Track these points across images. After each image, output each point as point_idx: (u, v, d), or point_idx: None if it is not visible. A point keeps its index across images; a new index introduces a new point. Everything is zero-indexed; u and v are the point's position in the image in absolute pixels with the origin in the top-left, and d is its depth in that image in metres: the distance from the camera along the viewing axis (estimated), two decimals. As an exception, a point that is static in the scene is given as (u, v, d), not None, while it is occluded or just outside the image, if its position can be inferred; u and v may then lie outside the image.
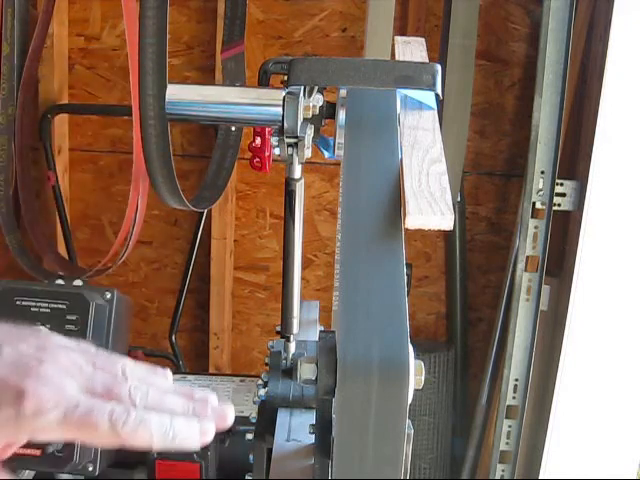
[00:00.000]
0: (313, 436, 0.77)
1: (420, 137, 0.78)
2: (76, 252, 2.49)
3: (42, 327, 0.53)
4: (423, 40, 1.07)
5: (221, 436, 1.08)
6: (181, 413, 0.50)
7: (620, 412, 1.78)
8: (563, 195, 1.86)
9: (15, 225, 2.13)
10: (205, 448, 1.05)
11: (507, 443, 1.94)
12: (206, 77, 2.46)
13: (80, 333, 1.02)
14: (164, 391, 0.51)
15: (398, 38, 1.09)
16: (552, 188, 1.80)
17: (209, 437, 0.49)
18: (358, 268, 0.60)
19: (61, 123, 2.49)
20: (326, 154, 0.92)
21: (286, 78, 0.80)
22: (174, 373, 1.21)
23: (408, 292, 0.58)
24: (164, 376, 0.54)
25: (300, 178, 0.91)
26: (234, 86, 1.39)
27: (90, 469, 1.03)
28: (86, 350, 0.52)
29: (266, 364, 0.97)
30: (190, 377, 1.17)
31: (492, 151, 2.47)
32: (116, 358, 0.51)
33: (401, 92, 0.83)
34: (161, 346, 2.66)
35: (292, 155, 0.86)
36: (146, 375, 0.52)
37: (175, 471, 1.06)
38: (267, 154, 0.94)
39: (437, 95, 0.83)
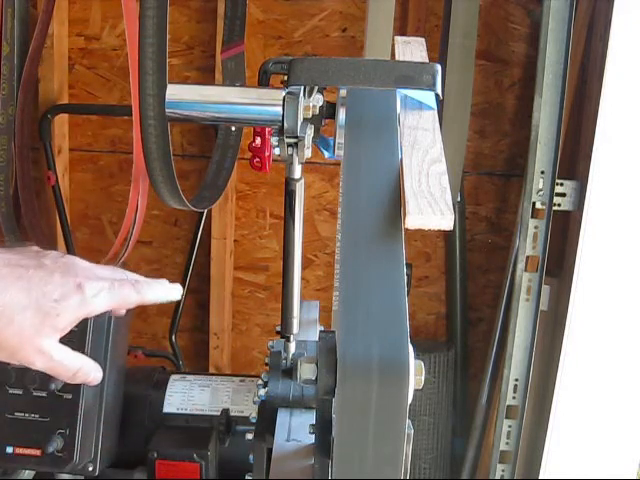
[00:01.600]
0: (313, 436, 0.77)
1: (420, 137, 0.78)
2: (76, 252, 2.49)
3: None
4: (423, 40, 1.07)
5: (221, 436, 1.08)
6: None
7: (620, 412, 1.78)
8: (563, 195, 1.86)
9: (15, 225, 2.13)
10: (205, 448, 1.05)
11: (507, 443, 1.94)
12: (206, 77, 2.46)
13: (80, 333, 1.01)
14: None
15: (398, 38, 1.09)
16: (552, 188, 1.80)
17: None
18: (358, 268, 0.60)
19: (61, 123, 2.49)
20: (326, 154, 0.92)
21: (286, 78, 0.80)
22: (174, 373, 1.21)
23: (408, 292, 0.58)
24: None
25: (300, 178, 0.91)
26: (234, 86, 1.39)
27: (90, 469, 1.03)
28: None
29: (266, 364, 0.97)
30: (190, 377, 1.17)
31: (492, 151, 2.47)
32: None
33: (401, 92, 0.83)
34: (161, 346, 2.66)
35: (292, 155, 0.86)
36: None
37: (175, 471, 1.05)
38: (267, 154, 0.94)
39: (437, 95, 0.83)
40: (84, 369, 0.70)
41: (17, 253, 0.66)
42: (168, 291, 0.77)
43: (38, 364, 0.66)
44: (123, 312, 0.80)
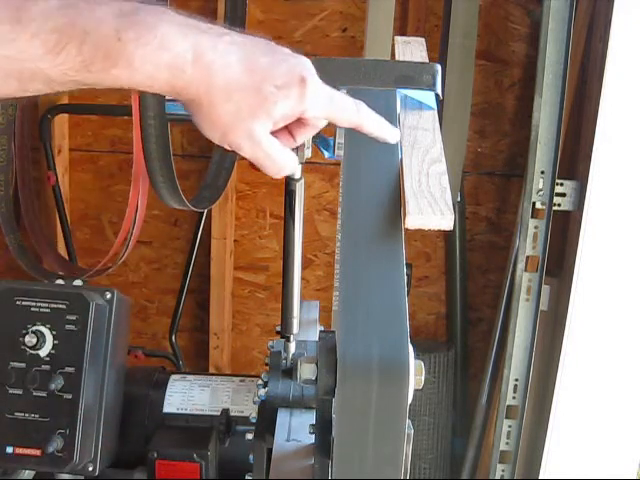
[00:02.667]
0: (313, 436, 0.77)
1: (420, 137, 0.79)
2: (76, 252, 2.49)
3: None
4: (423, 40, 1.07)
5: (221, 436, 1.08)
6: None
7: (620, 412, 1.78)
8: (563, 195, 1.86)
9: (15, 225, 2.13)
10: (205, 448, 1.05)
11: (507, 443, 1.94)
12: (206, 77, 2.46)
13: (80, 333, 1.02)
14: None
15: (398, 38, 1.09)
16: (552, 188, 1.80)
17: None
18: (358, 268, 0.60)
19: (61, 123, 2.49)
20: (326, 154, 0.92)
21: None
22: (174, 373, 1.21)
23: (408, 292, 0.58)
24: None
25: (300, 178, 0.91)
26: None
27: (90, 469, 1.03)
28: None
29: (266, 364, 0.97)
30: (190, 377, 1.17)
31: (492, 151, 2.47)
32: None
33: (401, 92, 0.83)
34: (161, 346, 2.66)
35: (292, 155, 0.86)
36: None
37: (175, 471, 1.05)
38: (267, 154, 0.93)
39: (437, 95, 0.83)
40: (290, 166, 0.68)
41: (248, 37, 0.65)
42: (386, 130, 0.69)
43: (246, 149, 0.64)
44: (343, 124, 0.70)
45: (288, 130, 0.68)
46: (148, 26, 0.58)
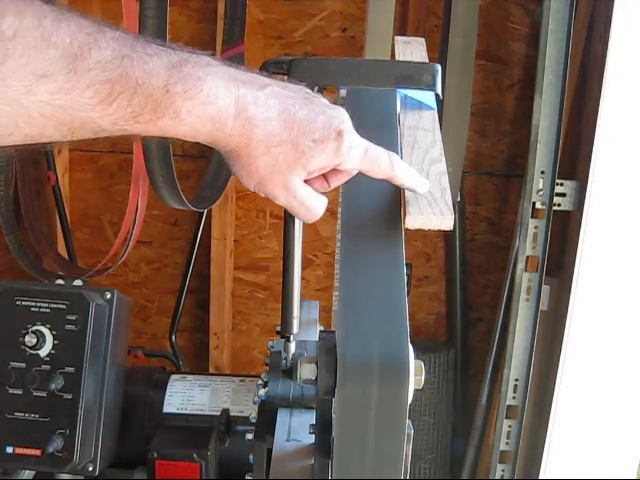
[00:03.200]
0: (313, 436, 0.77)
1: (420, 137, 0.79)
2: (76, 252, 2.49)
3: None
4: (423, 40, 1.07)
5: (221, 436, 1.08)
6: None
7: (620, 412, 1.78)
8: (563, 195, 1.86)
9: (15, 225, 2.13)
10: (205, 448, 1.05)
11: (507, 443, 1.94)
12: (206, 77, 2.46)
13: (80, 333, 1.02)
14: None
15: (398, 38, 1.09)
16: (552, 188, 1.80)
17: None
18: (358, 268, 0.60)
19: (61, 123, 2.49)
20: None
21: (286, 78, 0.80)
22: (174, 373, 1.21)
23: (408, 292, 0.58)
24: None
25: (300, 178, 0.91)
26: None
27: (90, 469, 1.03)
28: None
29: (266, 364, 0.97)
30: (190, 377, 1.17)
31: (492, 151, 2.47)
32: None
33: (401, 92, 0.83)
34: (161, 346, 2.66)
35: (292, 155, 0.86)
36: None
37: (175, 471, 1.06)
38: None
39: (437, 95, 0.83)
40: (322, 211, 0.69)
41: (288, 87, 0.66)
42: (417, 181, 0.70)
43: (281, 198, 0.67)
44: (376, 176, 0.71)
45: (323, 176, 0.69)
46: (195, 79, 0.59)
